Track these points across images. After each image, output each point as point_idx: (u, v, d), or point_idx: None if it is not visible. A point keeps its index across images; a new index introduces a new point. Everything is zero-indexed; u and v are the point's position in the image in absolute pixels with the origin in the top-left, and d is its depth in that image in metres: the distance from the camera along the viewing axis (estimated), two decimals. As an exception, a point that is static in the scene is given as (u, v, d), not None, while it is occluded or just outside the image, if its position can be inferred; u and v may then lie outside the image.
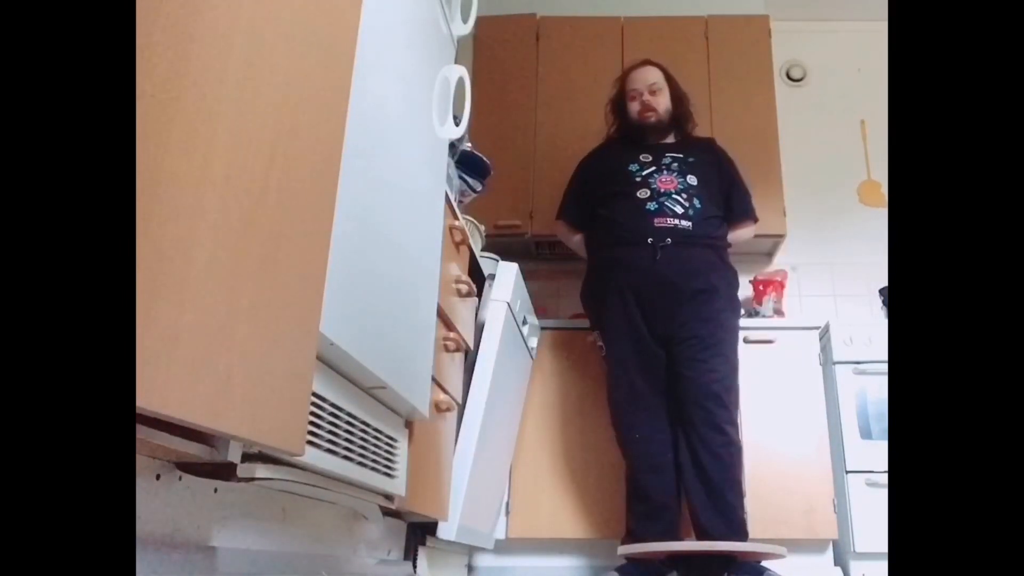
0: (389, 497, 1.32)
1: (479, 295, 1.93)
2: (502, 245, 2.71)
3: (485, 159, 2.12)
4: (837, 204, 3.34)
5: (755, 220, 2.59)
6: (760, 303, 2.95)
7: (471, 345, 1.82)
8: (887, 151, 1.07)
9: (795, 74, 3.54)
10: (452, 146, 1.87)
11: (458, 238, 1.68)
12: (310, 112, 0.85)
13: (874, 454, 2.43)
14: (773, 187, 3.02)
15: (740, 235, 2.55)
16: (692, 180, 2.40)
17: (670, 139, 2.56)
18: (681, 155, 2.47)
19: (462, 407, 1.82)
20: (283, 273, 0.77)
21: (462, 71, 1.56)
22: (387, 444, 1.28)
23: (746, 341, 2.55)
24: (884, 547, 2.29)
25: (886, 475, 2.34)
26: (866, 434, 2.46)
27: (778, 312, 2.94)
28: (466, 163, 2.06)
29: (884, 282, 2.96)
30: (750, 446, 2.32)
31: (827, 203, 3.33)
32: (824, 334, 2.65)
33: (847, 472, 2.43)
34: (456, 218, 1.68)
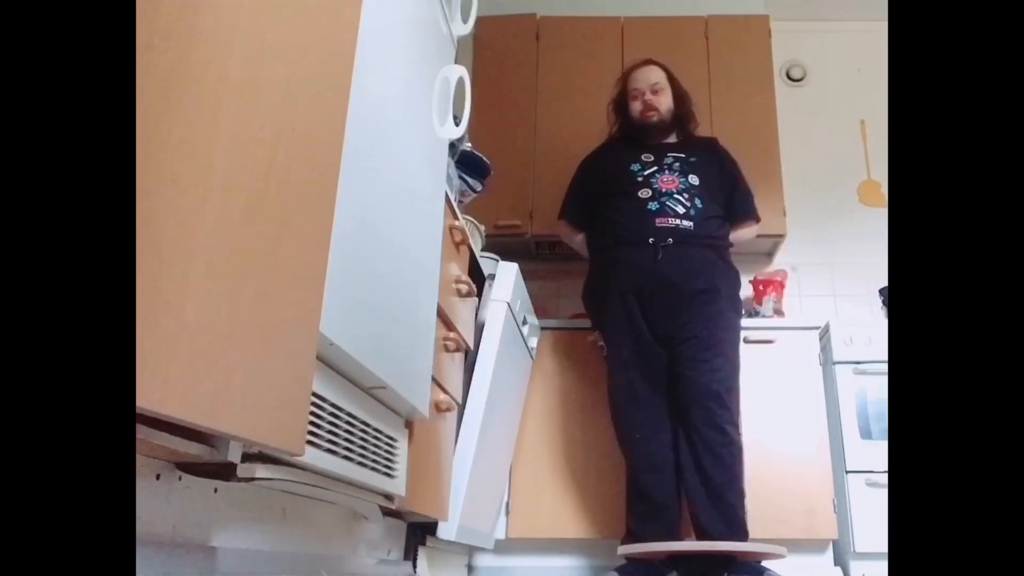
0: (389, 497, 1.32)
1: (479, 295, 1.93)
2: (502, 245, 2.71)
3: (485, 159, 2.12)
4: (837, 204, 3.34)
5: (757, 220, 2.59)
6: (760, 303, 2.95)
7: (471, 345, 1.82)
8: (887, 151, 1.08)
9: (795, 74, 3.54)
10: (452, 146, 1.87)
11: (458, 238, 1.68)
12: (310, 112, 0.85)
13: (874, 454, 2.43)
14: (773, 187, 3.02)
15: (742, 235, 2.55)
16: (694, 180, 2.40)
17: (672, 139, 2.56)
18: (683, 155, 2.47)
19: (462, 407, 1.82)
20: (283, 273, 0.77)
21: (462, 71, 1.56)
22: (387, 444, 1.28)
23: (746, 341, 2.55)
24: (884, 547, 2.29)
25: (886, 475, 2.34)
26: (866, 434, 2.46)
27: (778, 312, 2.94)
28: (466, 163, 2.06)
29: (884, 282, 2.96)
30: (750, 446, 2.31)
31: (827, 203, 3.33)
32: (824, 334, 2.65)
33: (847, 472, 2.43)
34: (456, 218, 1.68)
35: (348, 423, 1.09)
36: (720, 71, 3.22)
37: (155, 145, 0.56)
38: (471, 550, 2.47)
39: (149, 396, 0.55)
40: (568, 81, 3.24)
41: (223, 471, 0.85)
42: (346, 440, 1.09)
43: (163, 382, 0.57)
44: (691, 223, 2.32)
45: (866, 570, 2.36)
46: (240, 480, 0.86)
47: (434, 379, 1.44)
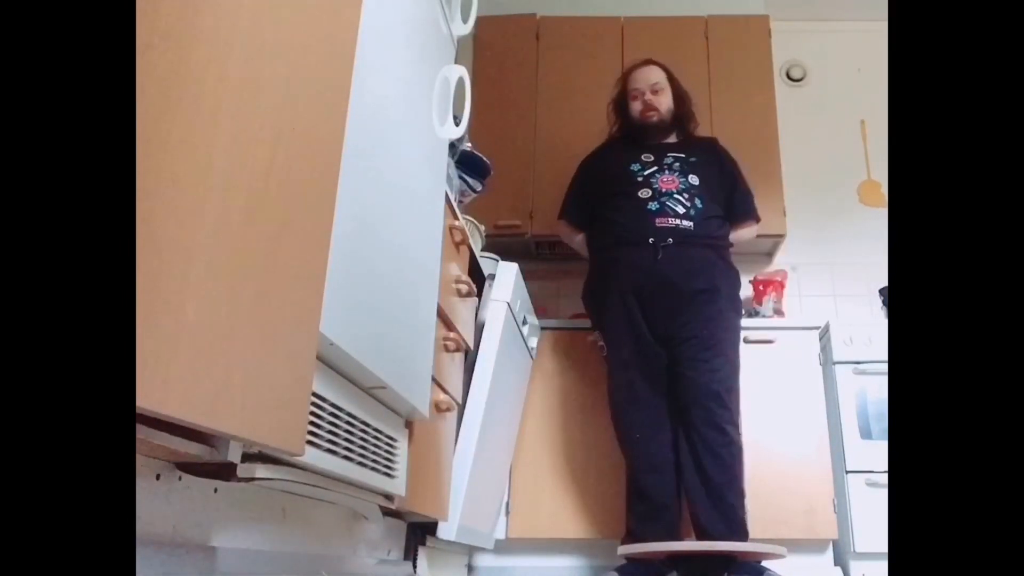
0: (389, 497, 1.32)
1: (479, 295, 1.93)
2: (502, 245, 2.71)
3: (485, 159, 2.12)
4: (837, 204, 3.34)
5: (757, 220, 2.59)
6: (760, 303, 2.95)
7: (471, 345, 1.82)
8: (887, 151, 1.08)
9: (795, 74, 3.54)
10: (452, 146, 1.87)
11: (458, 238, 1.68)
12: (310, 112, 0.85)
13: (874, 454, 2.43)
14: (773, 187, 3.02)
15: (742, 235, 2.55)
16: (694, 180, 2.40)
17: (672, 139, 2.56)
18: (683, 155, 2.47)
19: (462, 407, 1.82)
20: (283, 273, 0.77)
21: (462, 71, 1.56)
22: (387, 444, 1.28)
23: (746, 341, 2.55)
24: (884, 547, 2.29)
25: (886, 475, 2.34)
26: (866, 434, 2.46)
27: (778, 312, 2.94)
28: (466, 163, 2.06)
29: (884, 282, 2.96)
30: (750, 446, 2.31)
31: (827, 203, 3.33)
32: (824, 334, 2.65)
33: (847, 472, 2.43)
34: (456, 218, 1.68)
35: (348, 423, 1.09)
36: (720, 71, 3.22)
37: (155, 145, 0.56)
38: (471, 550, 2.47)
39: (149, 396, 0.55)
40: (568, 81, 3.24)
41: (223, 471, 0.85)
42: (346, 440, 1.09)
43: (163, 382, 0.57)
44: (691, 223, 2.32)
45: (866, 570, 2.36)
46: (240, 480, 0.86)
47: (434, 379, 1.44)
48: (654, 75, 2.57)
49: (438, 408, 1.51)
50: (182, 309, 0.59)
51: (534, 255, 3.19)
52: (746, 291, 2.88)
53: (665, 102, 2.54)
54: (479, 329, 1.94)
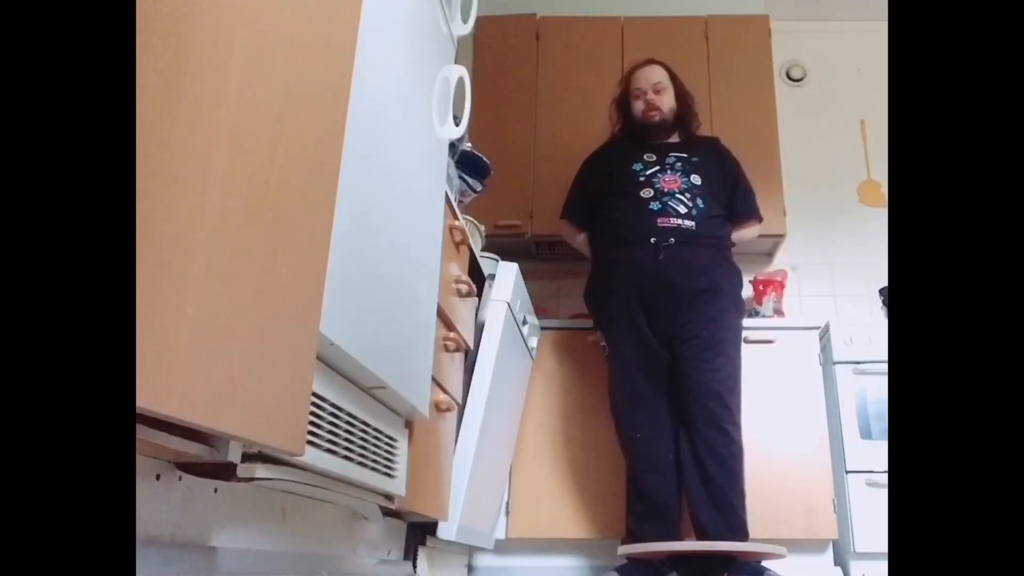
0: (389, 497, 1.32)
1: (479, 295, 1.93)
2: (502, 245, 2.71)
3: (485, 159, 2.12)
4: (837, 204, 3.34)
5: (759, 219, 2.58)
6: (760, 303, 2.95)
7: (471, 345, 1.82)
8: (887, 151, 1.08)
9: (795, 74, 3.54)
10: (452, 146, 1.87)
11: (458, 238, 1.68)
12: (310, 112, 0.85)
13: (874, 454, 2.43)
14: (773, 187, 3.02)
15: (744, 234, 2.55)
16: (696, 180, 2.40)
17: (674, 138, 2.56)
18: (685, 154, 2.47)
19: (462, 407, 1.82)
20: (283, 273, 0.77)
21: (462, 71, 1.56)
22: (387, 444, 1.28)
23: (746, 341, 2.55)
24: (884, 547, 2.29)
25: (886, 475, 2.34)
26: (866, 434, 2.46)
27: (778, 312, 2.94)
28: (466, 163, 2.06)
29: (884, 282, 2.96)
30: (750, 446, 2.31)
31: (827, 203, 3.33)
32: (824, 334, 2.65)
33: (847, 472, 2.43)
34: (456, 218, 1.68)
35: (348, 423, 1.09)
36: (720, 71, 3.22)
37: (155, 145, 0.56)
38: (471, 550, 2.47)
39: (149, 396, 0.55)
40: (568, 81, 3.24)
41: (223, 471, 0.85)
42: (346, 440, 1.09)
43: (163, 382, 0.57)
44: (693, 223, 2.32)
45: (866, 570, 2.36)
46: (240, 480, 0.86)
47: (434, 379, 1.44)
48: (656, 74, 2.57)
49: (438, 408, 1.51)
50: (182, 309, 0.59)
51: (534, 255, 3.19)
52: (746, 291, 2.88)
53: (667, 102, 2.54)
54: (479, 329, 1.94)
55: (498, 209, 2.90)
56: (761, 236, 2.80)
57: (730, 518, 2.16)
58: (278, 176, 0.76)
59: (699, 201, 2.36)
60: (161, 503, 0.82)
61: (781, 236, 3.06)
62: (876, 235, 3.16)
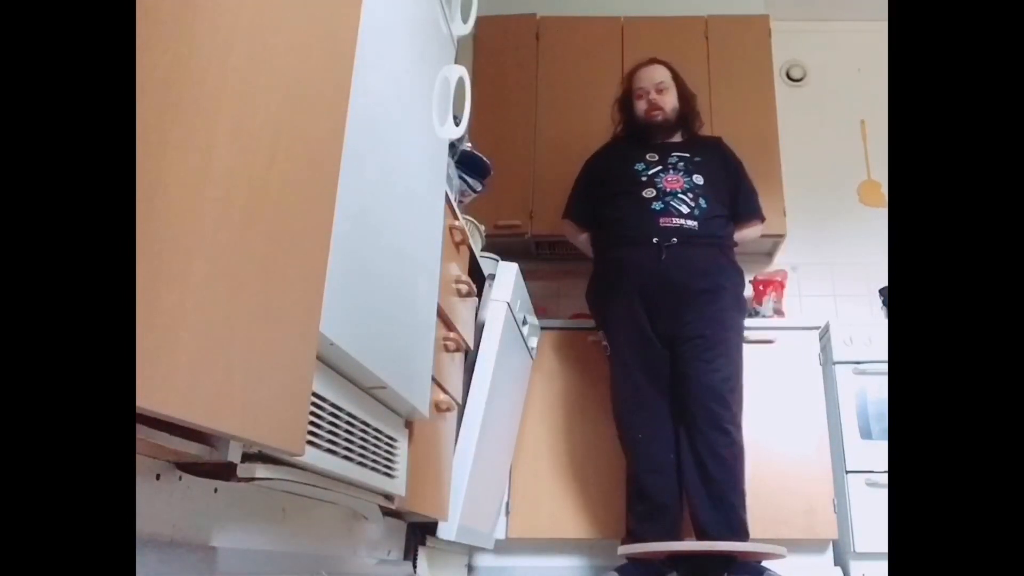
0: (389, 497, 1.32)
1: (479, 295, 1.93)
2: (502, 245, 2.71)
3: (485, 159, 2.12)
4: (837, 204, 3.34)
5: (762, 219, 2.58)
6: (760, 303, 2.95)
7: (471, 345, 1.82)
8: (887, 151, 1.08)
9: (795, 74, 3.54)
10: (452, 146, 1.87)
11: (458, 238, 1.68)
12: (310, 112, 0.85)
13: (874, 454, 2.43)
14: (773, 187, 3.02)
15: (747, 234, 2.55)
16: (698, 179, 2.40)
17: (677, 138, 2.56)
18: (688, 154, 2.47)
19: (462, 407, 1.82)
20: (283, 273, 0.77)
21: (462, 71, 1.56)
22: (387, 444, 1.28)
23: (746, 341, 2.54)
24: (884, 547, 2.29)
25: (886, 475, 2.34)
26: (866, 434, 2.46)
27: (778, 312, 2.94)
28: (466, 163, 2.06)
29: (884, 282, 2.96)
30: (750, 446, 2.31)
31: (827, 203, 3.33)
32: (824, 334, 2.65)
33: (847, 472, 2.43)
34: (456, 218, 1.68)
35: (348, 423, 1.09)
36: (720, 71, 3.22)
37: (155, 145, 0.56)
38: (471, 550, 2.47)
39: (149, 396, 0.55)
40: (568, 81, 3.24)
41: (223, 471, 0.85)
42: (346, 440, 1.09)
43: (163, 382, 0.57)
44: (695, 223, 2.32)
45: (866, 570, 2.36)
46: (240, 480, 0.86)
47: (434, 379, 1.44)
48: (659, 74, 2.57)
49: (438, 408, 1.51)
50: (182, 309, 0.59)
51: (534, 255, 3.19)
52: (746, 291, 2.88)
53: (670, 101, 2.54)
54: (479, 329, 1.94)
55: (498, 209, 2.90)
56: (761, 236, 2.80)
57: (730, 518, 2.16)
58: (278, 176, 0.76)
59: (702, 201, 2.36)
60: (161, 503, 0.82)
61: (781, 236, 3.06)
62: (876, 235, 3.16)
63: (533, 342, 2.51)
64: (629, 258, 2.33)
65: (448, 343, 1.58)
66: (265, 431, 0.74)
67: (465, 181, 2.08)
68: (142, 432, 0.65)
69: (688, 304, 2.28)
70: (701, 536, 2.18)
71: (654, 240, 2.30)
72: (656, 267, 2.28)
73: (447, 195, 1.58)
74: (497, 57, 3.30)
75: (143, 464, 0.79)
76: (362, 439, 1.15)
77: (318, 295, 0.87)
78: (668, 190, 2.36)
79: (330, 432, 1.03)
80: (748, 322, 2.63)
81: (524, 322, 2.27)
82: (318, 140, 0.87)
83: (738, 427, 2.24)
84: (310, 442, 0.95)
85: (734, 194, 2.49)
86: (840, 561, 2.47)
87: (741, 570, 2.11)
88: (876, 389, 2.49)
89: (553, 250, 3.14)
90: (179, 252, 0.59)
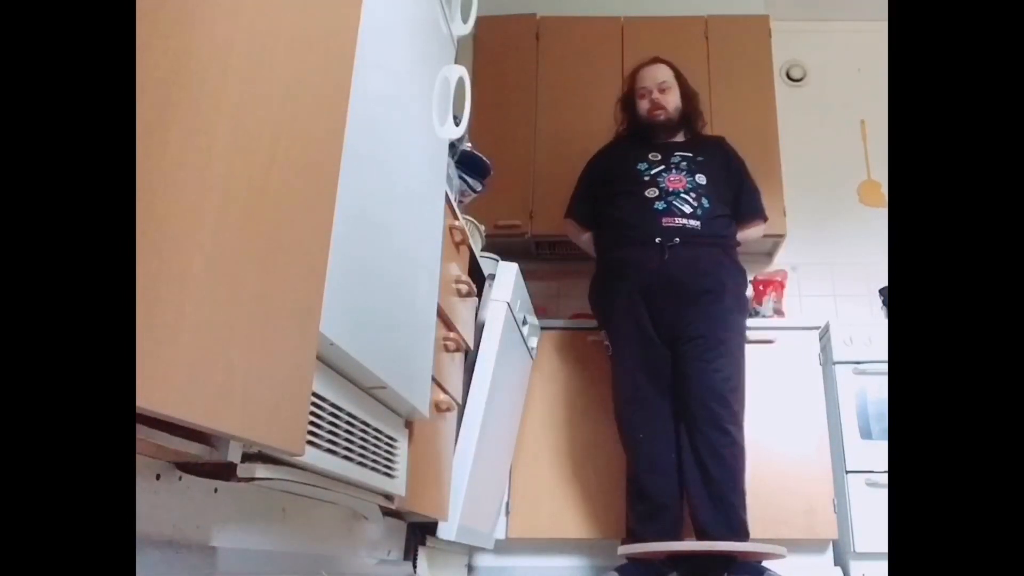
0: (389, 497, 1.32)
1: (479, 295, 1.93)
2: (502, 245, 2.71)
3: (485, 159, 2.12)
4: (837, 204, 3.34)
5: (765, 219, 2.58)
6: (760, 303, 2.94)
7: (471, 345, 1.82)
8: (887, 151, 1.07)
9: (795, 74, 3.54)
10: (452, 146, 1.87)
11: (458, 238, 1.68)
12: (310, 112, 0.85)
13: (874, 454, 2.43)
14: (773, 187, 3.02)
15: (750, 234, 2.55)
16: (701, 179, 2.40)
17: (679, 138, 2.56)
18: (690, 154, 2.47)
19: (462, 407, 1.82)
20: (283, 273, 0.77)
21: (462, 71, 1.56)
22: (387, 444, 1.28)
23: (746, 341, 2.55)
24: (884, 547, 2.29)
25: (886, 475, 2.34)
26: (866, 434, 2.46)
27: (778, 312, 2.94)
28: (466, 163, 2.06)
29: (884, 282, 2.96)
30: (750, 446, 2.31)
31: (827, 203, 3.33)
32: (824, 334, 2.65)
33: (847, 472, 2.43)
34: (456, 218, 1.68)
35: (348, 423, 1.09)
36: (720, 71, 3.22)
37: (155, 145, 0.56)
38: (471, 550, 2.47)
39: (149, 396, 0.55)
40: (568, 81, 3.24)
41: (223, 471, 0.85)
42: (346, 440, 1.09)
43: (163, 382, 0.57)
44: (698, 222, 2.31)
45: (866, 570, 2.36)
46: (240, 480, 0.86)
47: (434, 379, 1.44)
48: (662, 73, 2.56)
49: (438, 408, 1.51)
50: (182, 309, 0.59)
51: (534, 255, 3.19)
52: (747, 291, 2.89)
53: (673, 101, 2.54)
54: (479, 329, 1.94)
55: (498, 209, 2.90)
56: (762, 236, 2.80)
57: (730, 518, 2.16)
58: (278, 176, 0.76)
59: (704, 201, 2.35)
60: (161, 503, 0.82)
61: (781, 236, 3.06)
62: (876, 235, 3.16)
63: (533, 342, 2.51)
64: (632, 258, 2.33)
65: (448, 343, 1.58)
66: (265, 431, 0.74)
67: (465, 181, 2.08)
68: (142, 432, 0.65)
69: (690, 304, 2.27)
70: (701, 536, 2.18)
71: (657, 240, 2.29)
72: (659, 267, 2.28)
73: (447, 195, 1.58)
74: (497, 57, 3.30)
75: (143, 464, 0.79)
76: (362, 439, 1.15)
77: (318, 295, 0.87)
78: (671, 190, 2.36)
79: (330, 432, 1.03)
80: (748, 322, 2.63)
81: (524, 322, 2.27)
82: (318, 140, 0.87)
83: (739, 427, 2.24)
84: (310, 442, 0.95)
85: (737, 194, 2.49)
86: (840, 561, 2.47)
87: (741, 570, 2.11)
88: (876, 389, 2.49)
89: (553, 250, 3.14)
90: (179, 252, 0.59)
